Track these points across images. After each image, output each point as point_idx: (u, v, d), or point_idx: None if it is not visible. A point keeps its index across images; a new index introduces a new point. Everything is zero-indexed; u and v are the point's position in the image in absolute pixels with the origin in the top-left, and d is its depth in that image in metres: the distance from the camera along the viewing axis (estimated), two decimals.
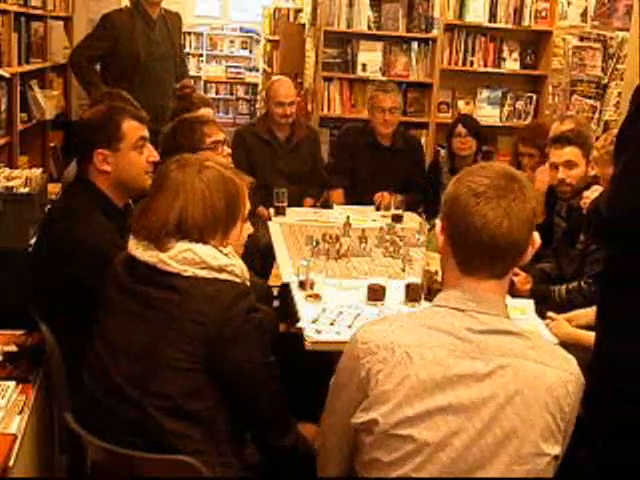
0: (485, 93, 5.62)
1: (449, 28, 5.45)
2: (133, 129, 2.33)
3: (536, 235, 1.51)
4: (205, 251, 1.74)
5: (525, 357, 1.44)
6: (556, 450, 1.44)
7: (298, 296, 2.61)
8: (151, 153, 2.39)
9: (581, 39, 5.38)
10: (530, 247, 1.49)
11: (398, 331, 1.47)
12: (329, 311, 2.44)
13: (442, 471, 1.39)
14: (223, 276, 1.75)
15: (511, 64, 5.59)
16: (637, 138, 1.79)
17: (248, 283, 1.85)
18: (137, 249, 1.77)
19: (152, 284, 1.74)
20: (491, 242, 1.43)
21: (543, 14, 5.47)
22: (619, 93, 4.35)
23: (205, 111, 3.49)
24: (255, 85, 10.87)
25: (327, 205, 4.35)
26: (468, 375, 1.41)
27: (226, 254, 1.78)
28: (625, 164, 1.80)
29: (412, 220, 3.76)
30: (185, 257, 1.73)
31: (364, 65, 5.44)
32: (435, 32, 5.43)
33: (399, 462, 1.42)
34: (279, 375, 1.82)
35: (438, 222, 1.55)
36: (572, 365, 1.48)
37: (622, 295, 1.83)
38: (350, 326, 2.32)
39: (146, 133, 2.37)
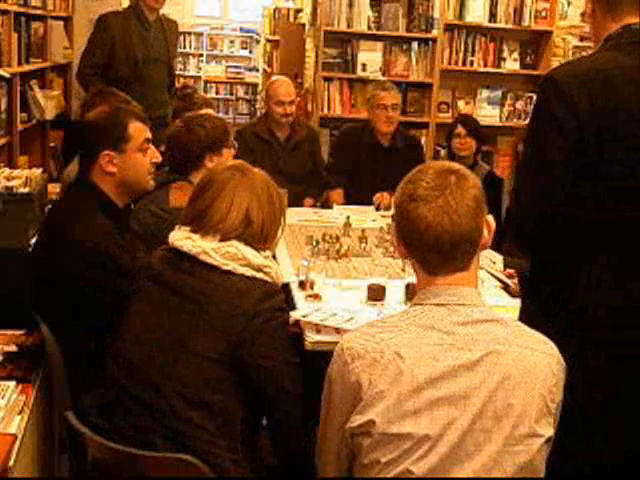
0: (485, 93, 5.61)
1: (449, 28, 5.45)
2: (139, 130, 2.34)
3: (489, 218, 1.56)
4: (248, 249, 1.81)
5: (509, 343, 1.48)
6: (549, 431, 1.48)
7: (298, 296, 2.61)
8: (154, 154, 2.40)
9: (581, 39, 5.39)
10: (485, 231, 1.54)
11: (384, 333, 1.50)
12: (322, 311, 2.42)
13: (441, 461, 1.42)
14: (259, 275, 1.81)
15: (511, 64, 5.59)
16: (533, 131, 1.90)
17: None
18: (181, 240, 1.82)
19: (190, 274, 1.79)
20: (437, 241, 1.49)
21: (543, 14, 5.47)
22: None
23: (206, 111, 3.49)
24: (255, 85, 10.87)
25: (327, 205, 4.35)
26: (458, 366, 1.45)
27: (265, 256, 1.85)
28: (523, 159, 1.93)
29: None
30: (228, 251, 1.79)
31: (364, 65, 5.44)
32: (435, 32, 5.42)
33: (398, 459, 1.43)
34: (302, 378, 1.84)
35: (393, 230, 1.60)
36: (552, 347, 1.53)
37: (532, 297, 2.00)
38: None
39: (149, 134, 2.38)
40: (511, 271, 2.96)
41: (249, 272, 1.79)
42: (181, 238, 1.83)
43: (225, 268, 1.78)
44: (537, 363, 1.48)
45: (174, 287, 1.81)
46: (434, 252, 1.51)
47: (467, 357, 1.45)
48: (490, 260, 3.05)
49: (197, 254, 1.79)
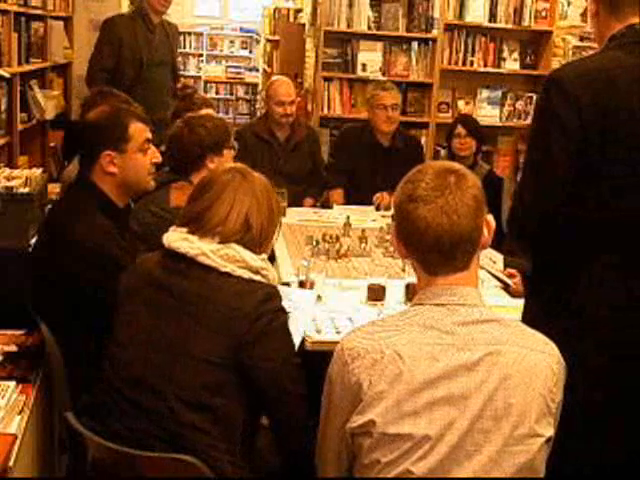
0: (485, 93, 5.61)
1: (449, 28, 5.45)
2: (139, 131, 2.34)
3: (489, 217, 1.55)
4: (246, 251, 1.80)
5: (510, 343, 1.48)
6: (549, 431, 1.48)
7: None
8: (154, 155, 2.40)
9: (581, 39, 5.39)
10: (485, 231, 1.54)
11: (384, 332, 1.50)
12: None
13: (441, 461, 1.42)
14: (257, 277, 1.81)
15: (511, 64, 5.58)
16: (536, 131, 1.93)
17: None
18: (178, 241, 1.81)
19: (187, 277, 1.78)
20: (437, 242, 1.48)
21: (543, 14, 5.46)
22: None
23: (207, 112, 3.49)
24: (255, 85, 10.87)
25: (327, 205, 4.35)
26: (458, 366, 1.45)
27: (262, 259, 1.85)
28: (526, 159, 1.95)
29: None
30: (227, 253, 1.78)
31: (364, 65, 5.44)
32: (435, 32, 5.42)
33: (398, 460, 1.43)
34: (304, 378, 1.83)
35: (393, 231, 1.60)
36: (553, 347, 1.53)
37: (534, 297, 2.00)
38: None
39: (150, 135, 2.38)
40: (512, 271, 2.96)
41: (247, 274, 1.79)
42: (178, 239, 1.82)
43: (223, 270, 1.77)
44: (537, 363, 1.48)
45: (170, 290, 1.79)
46: (434, 252, 1.50)
47: (467, 357, 1.45)
48: (490, 260, 3.05)
49: (195, 255, 1.78)
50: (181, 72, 9.64)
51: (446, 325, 1.48)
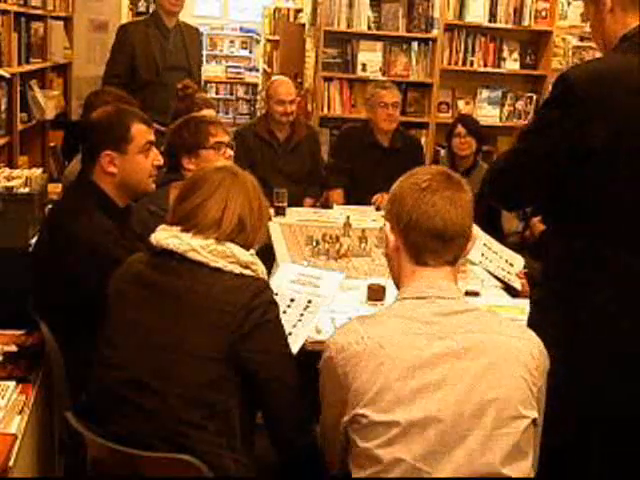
0: (485, 93, 5.61)
1: (449, 28, 5.45)
2: (141, 132, 2.34)
3: (476, 229, 1.64)
4: (236, 246, 1.81)
5: (490, 330, 1.55)
6: (533, 414, 1.53)
7: None
8: (156, 157, 2.40)
9: (581, 39, 5.40)
10: (471, 239, 1.62)
11: (367, 326, 1.56)
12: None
13: (430, 446, 1.46)
14: (247, 272, 1.82)
15: (511, 64, 5.59)
16: (533, 118, 1.95)
17: None
18: (167, 239, 1.80)
19: (179, 275, 1.78)
20: (443, 227, 1.56)
21: (543, 14, 5.47)
22: None
23: (207, 112, 3.49)
24: (255, 85, 10.87)
25: (327, 205, 4.35)
26: (441, 354, 1.50)
27: (251, 254, 1.86)
28: (519, 137, 2.02)
29: None
30: (217, 248, 1.79)
31: (364, 65, 5.44)
32: (435, 32, 5.42)
33: (387, 447, 1.47)
34: (297, 370, 1.84)
35: (387, 224, 1.64)
36: (530, 333, 1.61)
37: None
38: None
39: (152, 137, 2.39)
40: (524, 270, 2.94)
41: (237, 269, 1.79)
42: (167, 237, 1.81)
43: (214, 265, 1.77)
44: (517, 348, 1.53)
45: (162, 288, 1.79)
46: (435, 238, 1.56)
47: (448, 345, 1.50)
48: (507, 262, 3.00)
49: (185, 252, 1.77)
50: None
51: (426, 316, 1.54)
